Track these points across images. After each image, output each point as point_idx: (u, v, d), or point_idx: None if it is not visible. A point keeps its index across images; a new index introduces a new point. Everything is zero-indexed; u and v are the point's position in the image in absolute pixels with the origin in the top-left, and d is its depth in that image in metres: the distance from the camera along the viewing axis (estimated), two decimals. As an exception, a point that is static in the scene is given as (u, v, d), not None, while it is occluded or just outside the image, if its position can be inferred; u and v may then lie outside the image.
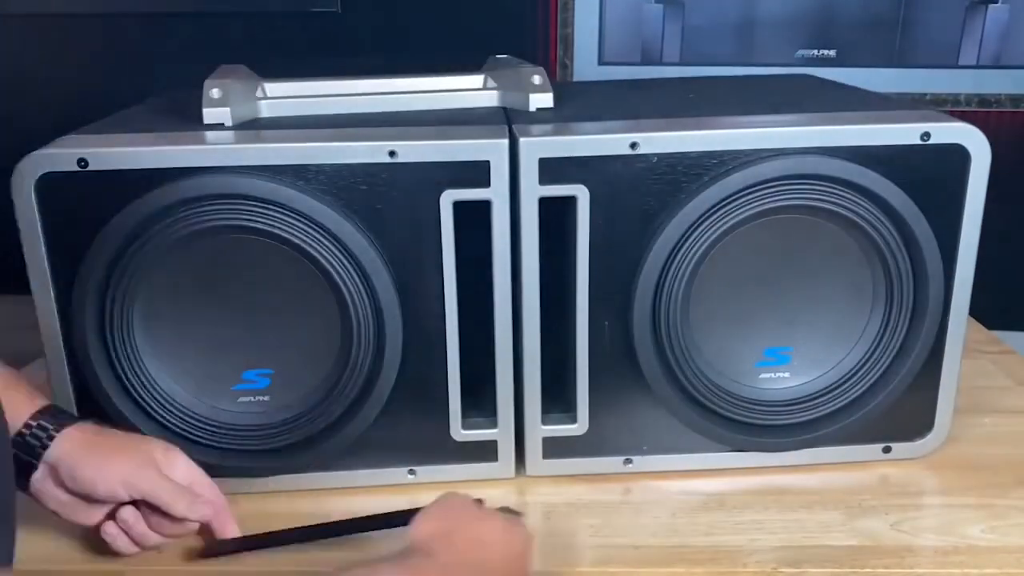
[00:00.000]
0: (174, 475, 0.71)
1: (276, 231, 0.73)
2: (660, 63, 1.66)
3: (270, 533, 0.74)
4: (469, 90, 0.89)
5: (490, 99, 0.88)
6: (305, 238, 0.74)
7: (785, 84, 1.07)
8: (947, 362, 0.83)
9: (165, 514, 0.70)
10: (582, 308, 0.78)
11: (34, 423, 0.68)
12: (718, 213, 0.76)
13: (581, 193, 0.75)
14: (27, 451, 0.68)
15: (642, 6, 1.63)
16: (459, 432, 0.82)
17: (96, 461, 0.69)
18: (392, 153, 0.72)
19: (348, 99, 0.86)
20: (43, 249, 0.74)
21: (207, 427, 0.79)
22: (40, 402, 0.70)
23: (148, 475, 0.70)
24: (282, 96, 0.86)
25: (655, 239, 0.77)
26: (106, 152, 0.72)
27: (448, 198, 0.75)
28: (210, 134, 0.76)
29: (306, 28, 1.57)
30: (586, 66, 1.65)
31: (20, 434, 0.68)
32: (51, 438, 0.68)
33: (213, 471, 0.79)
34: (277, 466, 0.80)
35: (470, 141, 0.75)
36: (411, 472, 0.83)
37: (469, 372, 0.80)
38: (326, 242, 0.74)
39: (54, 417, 0.69)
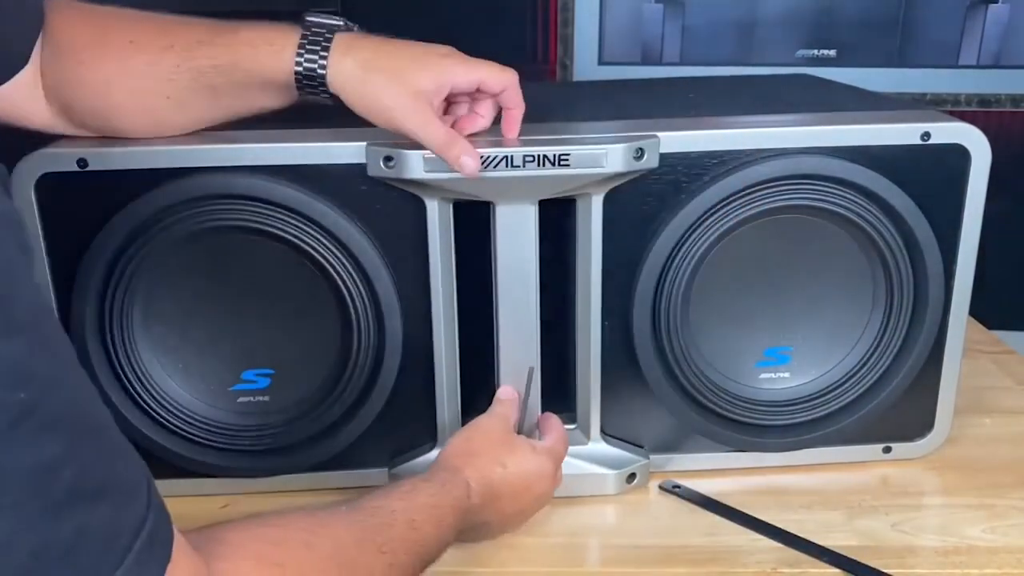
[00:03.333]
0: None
1: (276, 231, 0.73)
2: (660, 63, 1.66)
3: None
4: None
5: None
6: (305, 238, 0.74)
7: (785, 84, 1.07)
8: (947, 362, 0.83)
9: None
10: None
11: (300, 62, 0.68)
12: (718, 213, 0.76)
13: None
14: (310, 87, 0.69)
15: (642, 6, 1.63)
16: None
17: (381, 90, 0.69)
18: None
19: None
20: (42, 249, 0.74)
21: (207, 427, 0.79)
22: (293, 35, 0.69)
23: (448, 66, 0.70)
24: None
25: (655, 239, 0.76)
26: (106, 152, 0.72)
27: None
28: (210, 134, 0.76)
29: (306, 28, 1.57)
30: (586, 66, 1.65)
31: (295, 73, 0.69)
32: (324, 79, 0.69)
33: (213, 471, 0.79)
34: (277, 466, 0.80)
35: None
36: (411, 472, 0.83)
37: (469, 372, 0.80)
38: (326, 242, 0.74)
39: (313, 47, 0.68)
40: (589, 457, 0.82)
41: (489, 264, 0.77)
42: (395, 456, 0.82)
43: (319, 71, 0.68)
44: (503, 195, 0.74)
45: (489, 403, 0.80)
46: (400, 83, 0.68)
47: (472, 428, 0.74)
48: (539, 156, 0.71)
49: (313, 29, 0.69)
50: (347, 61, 0.68)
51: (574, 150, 0.72)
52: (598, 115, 0.85)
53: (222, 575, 0.46)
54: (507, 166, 0.71)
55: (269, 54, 0.69)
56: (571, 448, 0.81)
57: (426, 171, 0.71)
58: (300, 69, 0.68)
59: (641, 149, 0.73)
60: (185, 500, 0.78)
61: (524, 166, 0.71)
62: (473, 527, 0.69)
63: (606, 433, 0.83)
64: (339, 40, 0.69)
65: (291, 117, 0.75)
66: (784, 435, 0.84)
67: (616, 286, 0.78)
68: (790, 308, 0.81)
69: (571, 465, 0.80)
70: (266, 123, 0.75)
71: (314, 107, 0.72)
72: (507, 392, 0.79)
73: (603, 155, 0.72)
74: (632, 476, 0.82)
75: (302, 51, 0.68)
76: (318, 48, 0.68)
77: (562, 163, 0.72)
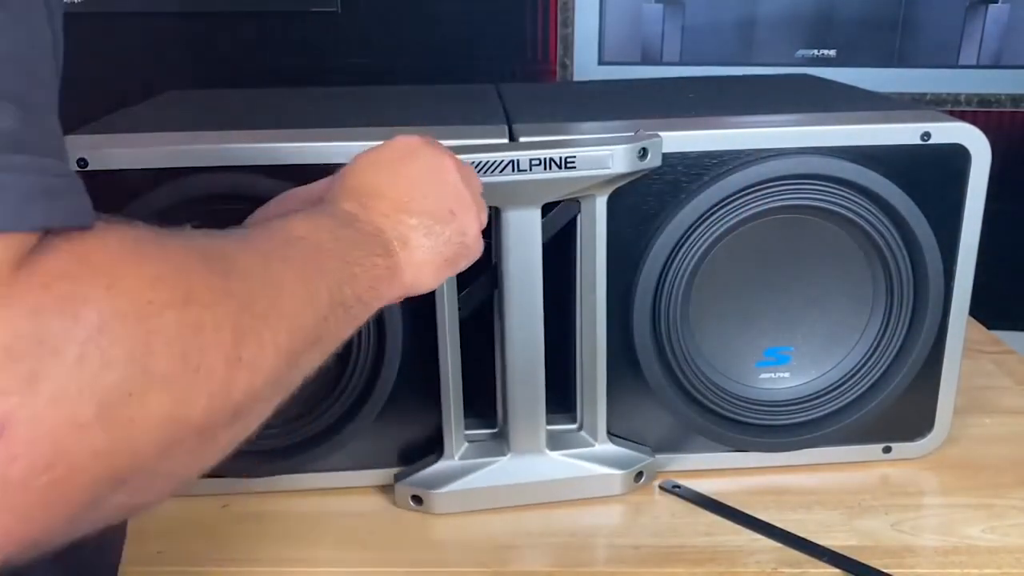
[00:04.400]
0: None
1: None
2: (660, 63, 1.66)
3: None
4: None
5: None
6: (305, 238, 0.74)
7: (785, 84, 1.07)
8: (947, 362, 0.83)
9: None
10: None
11: None
12: (718, 213, 0.76)
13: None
14: None
15: (642, 6, 1.63)
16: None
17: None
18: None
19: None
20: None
21: (207, 427, 0.78)
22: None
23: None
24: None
25: (655, 239, 0.77)
26: (106, 152, 0.72)
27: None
28: (211, 134, 0.76)
29: (306, 28, 1.57)
30: (586, 66, 1.65)
31: None
32: None
33: (213, 471, 0.79)
34: (277, 466, 0.80)
35: (472, 142, 0.75)
36: (411, 472, 0.83)
37: (470, 372, 0.80)
38: (326, 242, 0.74)
39: None
40: (596, 458, 0.82)
41: (489, 267, 0.77)
42: (400, 463, 0.82)
43: None
44: (509, 200, 0.74)
45: (491, 405, 0.80)
46: None
47: None
48: (545, 159, 0.71)
49: None
50: None
51: (579, 152, 0.72)
52: (598, 115, 0.85)
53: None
54: (513, 170, 0.71)
55: None
56: (578, 450, 0.81)
57: None
58: None
59: (645, 149, 0.73)
60: (185, 500, 0.78)
61: (530, 170, 0.71)
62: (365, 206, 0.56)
63: (611, 434, 0.83)
64: None
65: (291, 117, 0.75)
66: (784, 435, 0.84)
67: (616, 286, 0.78)
68: (790, 308, 0.81)
69: (578, 467, 0.81)
70: (266, 124, 0.75)
71: (315, 108, 0.72)
72: None
73: (608, 156, 0.72)
74: (639, 475, 0.82)
75: None
76: None
77: (568, 165, 0.72)
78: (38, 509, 0.32)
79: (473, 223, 0.60)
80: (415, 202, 0.57)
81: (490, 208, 0.74)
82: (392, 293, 0.55)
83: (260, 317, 0.41)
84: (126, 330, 0.33)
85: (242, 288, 0.40)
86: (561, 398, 0.83)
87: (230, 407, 0.39)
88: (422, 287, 0.57)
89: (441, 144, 0.61)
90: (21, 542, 0.32)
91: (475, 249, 0.61)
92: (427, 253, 0.56)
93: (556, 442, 0.82)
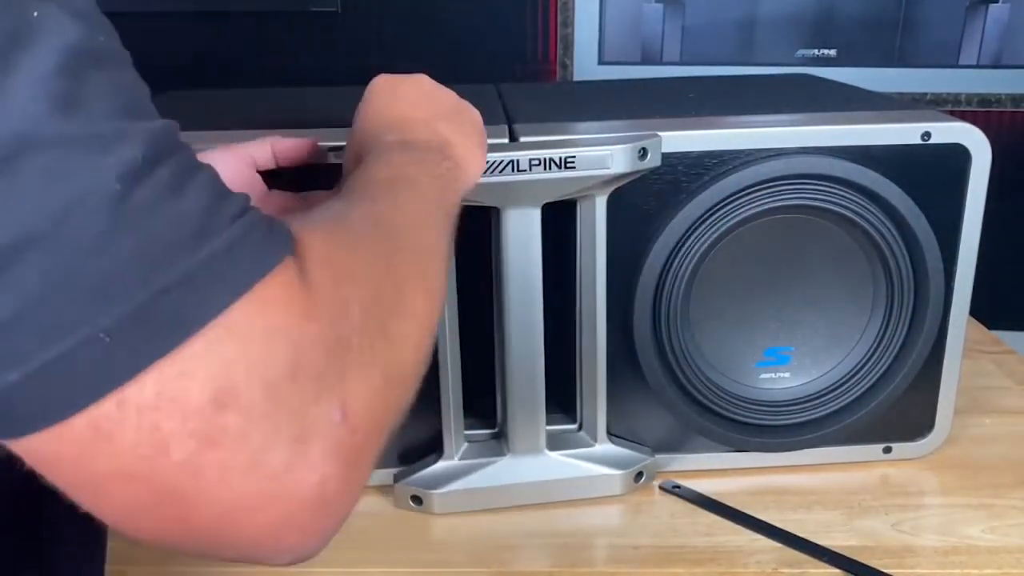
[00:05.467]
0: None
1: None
2: (660, 63, 1.66)
3: None
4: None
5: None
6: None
7: (785, 84, 1.07)
8: (947, 362, 0.83)
9: None
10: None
11: None
12: (718, 213, 0.76)
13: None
14: None
15: (642, 6, 1.63)
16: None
17: None
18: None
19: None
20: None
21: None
22: None
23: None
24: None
25: (655, 239, 0.77)
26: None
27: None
28: (210, 133, 0.76)
29: (306, 28, 1.57)
30: (586, 66, 1.66)
31: None
32: None
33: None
34: (277, 466, 0.80)
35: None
36: (411, 472, 0.83)
37: (470, 373, 0.80)
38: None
39: None
40: (596, 458, 0.81)
41: (489, 267, 0.77)
42: (400, 463, 0.82)
43: None
44: (509, 200, 0.74)
45: (491, 406, 0.80)
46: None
47: None
48: (545, 159, 0.71)
49: None
50: None
51: (579, 152, 0.72)
52: (598, 115, 0.85)
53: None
54: (513, 170, 0.71)
55: None
56: (577, 450, 0.81)
57: None
58: None
59: (644, 149, 0.73)
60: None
61: (530, 170, 0.71)
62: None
63: (611, 434, 0.83)
64: None
65: (291, 117, 0.75)
66: (784, 435, 0.84)
67: (616, 286, 0.78)
68: (790, 308, 0.81)
69: (578, 467, 0.81)
70: (266, 124, 0.75)
71: (315, 108, 0.72)
72: None
73: (608, 156, 0.72)
74: (640, 475, 0.82)
75: None
76: None
77: (567, 165, 0.72)
78: (367, 467, 0.41)
79: (472, 109, 0.66)
80: (434, 111, 0.63)
81: (490, 208, 0.74)
82: (462, 187, 0.61)
83: (426, 252, 0.49)
84: (377, 309, 0.41)
85: (411, 237, 0.48)
86: (561, 399, 0.83)
87: (431, 327, 0.47)
88: (474, 175, 0.63)
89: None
90: (358, 493, 0.41)
91: (485, 133, 0.67)
92: (465, 143, 0.63)
93: (556, 442, 0.82)
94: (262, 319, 0.34)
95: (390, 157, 0.56)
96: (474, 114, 0.66)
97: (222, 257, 0.34)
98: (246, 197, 0.38)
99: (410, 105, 0.63)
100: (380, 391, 0.40)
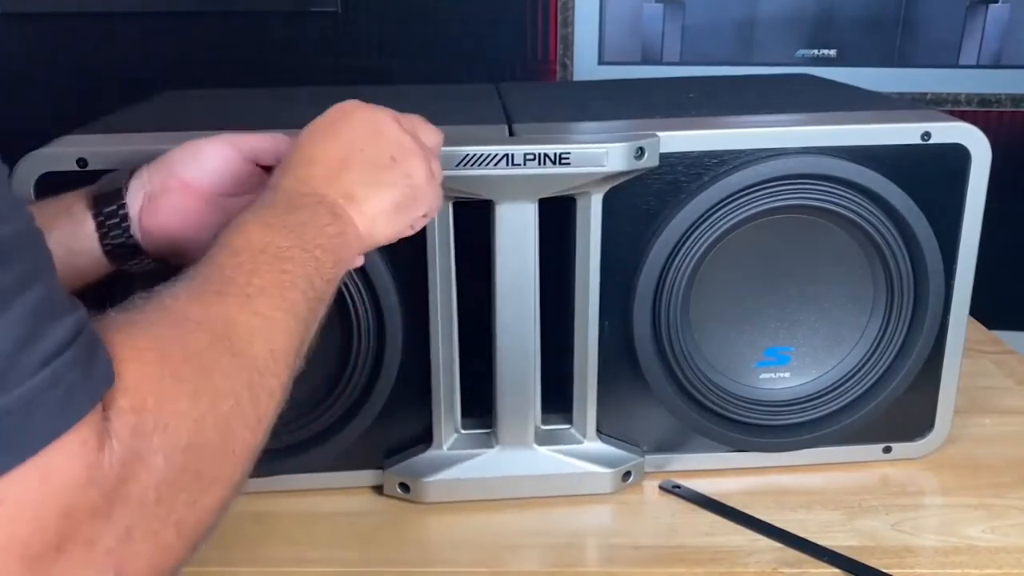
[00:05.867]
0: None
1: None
2: (660, 63, 1.66)
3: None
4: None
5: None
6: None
7: (785, 84, 1.07)
8: (947, 362, 0.83)
9: None
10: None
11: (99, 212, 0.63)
12: (718, 213, 0.76)
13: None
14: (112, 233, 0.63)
15: (642, 6, 1.63)
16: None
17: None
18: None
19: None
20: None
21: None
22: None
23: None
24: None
25: (655, 239, 0.77)
26: (106, 152, 0.72)
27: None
28: (206, 133, 0.76)
29: (306, 28, 1.57)
30: (586, 66, 1.66)
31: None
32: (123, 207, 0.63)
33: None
34: (277, 466, 0.80)
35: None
36: (411, 472, 0.83)
37: (468, 372, 0.80)
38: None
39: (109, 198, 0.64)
40: (584, 455, 0.81)
41: (488, 263, 0.77)
42: (389, 456, 0.82)
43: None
44: (503, 193, 0.74)
45: (488, 403, 0.80)
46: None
47: None
48: (540, 154, 0.71)
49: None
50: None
51: (575, 148, 0.72)
52: (598, 115, 0.85)
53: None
54: (507, 164, 0.71)
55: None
56: (567, 447, 0.81)
57: None
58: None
59: (641, 148, 0.73)
60: (185, 500, 0.78)
61: (525, 164, 0.71)
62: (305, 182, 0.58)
63: (602, 432, 0.83)
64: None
65: (290, 117, 0.74)
66: (784, 435, 0.84)
67: (616, 286, 0.78)
68: (790, 308, 0.81)
69: (565, 463, 0.81)
70: (265, 124, 0.75)
71: (315, 108, 0.72)
72: None
73: (604, 154, 0.72)
74: (628, 474, 0.82)
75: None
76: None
77: (563, 162, 0.72)
78: None
79: (419, 166, 0.60)
80: (351, 157, 0.59)
81: (484, 201, 0.74)
82: (354, 251, 0.58)
83: (265, 368, 0.46)
84: (185, 457, 0.39)
85: (247, 351, 0.45)
86: (561, 399, 0.83)
87: (256, 450, 0.45)
88: (381, 236, 0.60)
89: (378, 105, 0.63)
90: None
91: (428, 192, 0.62)
92: (375, 201, 0.58)
93: (546, 438, 0.82)
94: (38, 490, 0.33)
95: (272, 216, 0.53)
96: (417, 171, 0.60)
97: (15, 415, 0.32)
98: (76, 319, 0.36)
99: (337, 145, 0.59)
100: (169, 546, 0.39)
